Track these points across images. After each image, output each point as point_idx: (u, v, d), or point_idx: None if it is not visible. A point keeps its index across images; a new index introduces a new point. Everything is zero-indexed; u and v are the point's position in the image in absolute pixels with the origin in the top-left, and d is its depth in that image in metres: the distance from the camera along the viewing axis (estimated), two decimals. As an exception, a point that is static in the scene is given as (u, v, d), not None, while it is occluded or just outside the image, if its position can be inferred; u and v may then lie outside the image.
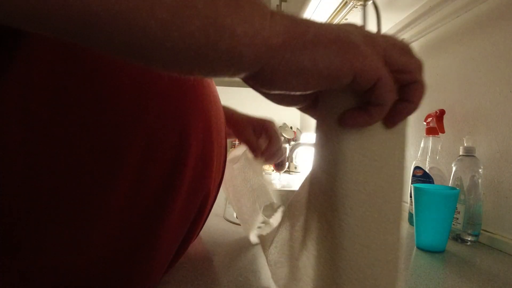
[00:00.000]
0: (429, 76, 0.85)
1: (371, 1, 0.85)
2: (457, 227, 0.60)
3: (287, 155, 1.32)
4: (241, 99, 2.47)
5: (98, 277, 0.31)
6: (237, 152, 0.54)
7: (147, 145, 0.29)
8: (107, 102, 0.27)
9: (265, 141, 0.56)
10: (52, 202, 0.27)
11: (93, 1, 0.16)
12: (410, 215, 0.73)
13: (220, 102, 0.42)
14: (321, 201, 0.27)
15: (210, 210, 0.41)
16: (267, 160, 0.56)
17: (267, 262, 0.36)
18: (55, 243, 0.28)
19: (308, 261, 0.29)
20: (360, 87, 0.22)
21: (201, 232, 0.62)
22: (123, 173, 0.29)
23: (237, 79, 0.22)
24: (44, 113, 0.25)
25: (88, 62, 0.27)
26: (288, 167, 1.98)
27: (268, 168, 1.95)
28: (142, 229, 0.31)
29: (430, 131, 0.70)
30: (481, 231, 0.61)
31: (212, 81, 0.40)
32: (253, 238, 0.52)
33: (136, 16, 0.16)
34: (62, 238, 0.28)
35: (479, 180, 0.60)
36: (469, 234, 0.60)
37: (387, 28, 1.04)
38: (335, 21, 0.97)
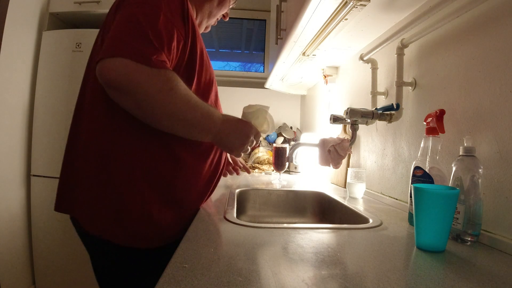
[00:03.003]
0: (429, 76, 0.85)
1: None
2: (457, 227, 0.60)
3: (287, 155, 1.33)
4: (242, 99, 2.47)
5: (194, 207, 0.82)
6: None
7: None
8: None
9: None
10: (193, 174, 0.78)
11: (188, 114, 0.67)
12: (410, 215, 0.73)
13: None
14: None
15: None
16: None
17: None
18: (192, 197, 0.80)
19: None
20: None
21: (202, 232, 0.62)
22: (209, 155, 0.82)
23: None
24: None
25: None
26: (288, 167, 1.98)
27: (268, 168, 1.95)
28: (210, 181, 0.85)
29: (430, 131, 0.70)
30: (481, 231, 0.61)
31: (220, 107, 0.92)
32: None
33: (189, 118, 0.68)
34: (195, 193, 0.81)
35: (479, 180, 0.60)
36: (469, 234, 0.60)
37: (387, 28, 1.04)
38: (335, 21, 0.97)
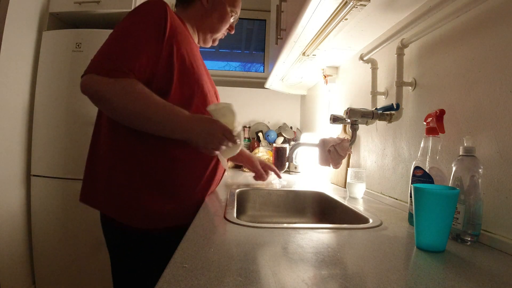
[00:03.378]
0: (429, 76, 0.85)
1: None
2: (457, 227, 0.60)
3: (287, 155, 1.33)
4: (243, 99, 2.47)
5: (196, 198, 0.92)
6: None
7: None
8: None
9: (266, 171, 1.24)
10: (189, 169, 0.89)
11: (149, 112, 0.76)
12: (410, 215, 0.73)
13: None
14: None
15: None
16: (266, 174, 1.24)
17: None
18: (189, 190, 0.89)
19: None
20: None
21: (202, 232, 0.62)
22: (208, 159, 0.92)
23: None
24: None
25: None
26: (288, 167, 1.98)
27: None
28: (208, 179, 0.94)
29: (430, 131, 0.70)
30: (481, 231, 0.61)
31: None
32: None
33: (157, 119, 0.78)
34: (192, 186, 0.90)
35: (479, 180, 0.60)
36: (469, 234, 0.60)
37: (387, 28, 1.04)
38: (335, 21, 0.97)
